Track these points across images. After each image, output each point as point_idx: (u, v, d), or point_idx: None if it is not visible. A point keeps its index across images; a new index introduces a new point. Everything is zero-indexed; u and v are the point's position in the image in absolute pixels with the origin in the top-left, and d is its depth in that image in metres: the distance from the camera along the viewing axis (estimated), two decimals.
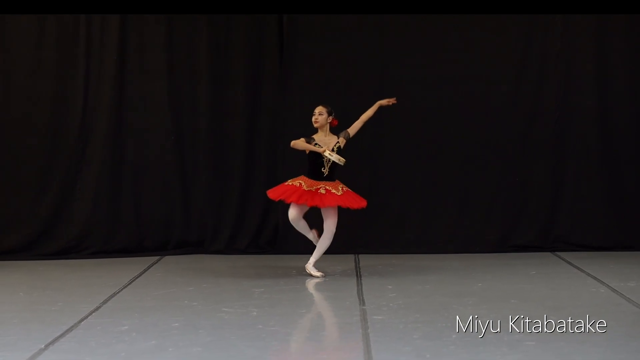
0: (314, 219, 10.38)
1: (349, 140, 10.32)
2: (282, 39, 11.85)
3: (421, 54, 11.86)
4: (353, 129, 10.35)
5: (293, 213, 10.20)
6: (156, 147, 11.89)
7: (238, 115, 11.90)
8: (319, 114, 10.27)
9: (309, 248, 11.14)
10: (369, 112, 10.44)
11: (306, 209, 10.26)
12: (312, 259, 10.33)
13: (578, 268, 10.67)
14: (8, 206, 11.77)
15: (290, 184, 10.19)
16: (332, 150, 10.19)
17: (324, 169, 10.20)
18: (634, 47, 11.88)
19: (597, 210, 11.93)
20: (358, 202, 10.27)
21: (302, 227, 10.30)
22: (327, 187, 10.16)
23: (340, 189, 10.19)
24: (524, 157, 11.95)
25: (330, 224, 10.21)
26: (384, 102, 10.52)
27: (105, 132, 11.80)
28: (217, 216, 11.93)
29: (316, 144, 10.20)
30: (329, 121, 10.28)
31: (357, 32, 11.87)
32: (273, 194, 10.24)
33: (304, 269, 10.37)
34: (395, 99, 10.52)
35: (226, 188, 11.93)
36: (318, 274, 10.25)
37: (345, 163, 10.17)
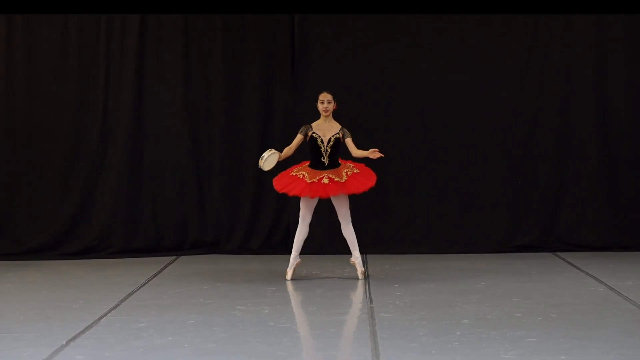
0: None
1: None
2: (293, 46, 11.92)
3: (428, 60, 11.93)
4: (351, 146, 9.88)
5: (304, 210, 9.93)
6: (173, 150, 11.95)
7: (251, 120, 11.97)
8: (328, 102, 9.96)
9: (320, 249, 11.33)
10: (360, 153, 9.85)
11: (315, 202, 9.93)
12: (355, 252, 10.00)
13: (578, 268, 10.71)
14: (32, 208, 11.84)
15: (295, 174, 9.91)
16: (330, 140, 9.91)
17: (323, 159, 9.92)
18: (633, 52, 11.93)
19: (597, 212, 11.95)
20: (364, 184, 9.85)
21: (303, 232, 9.94)
22: (330, 176, 9.81)
23: (345, 174, 9.85)
24: (526, 161, 11.97)
25: (344, 213, 9.94)
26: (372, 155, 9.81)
27: (125, 137, 11.89)
28: (231, 218, 12.00)
29: (314, 132, 9.95)
30: (334, 108, 10.03)
31: (367, 39, 11.89)
32: (278, 184, 9.96)
33: (314, 267, 10.44)
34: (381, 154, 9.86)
35: (240, 191, 11.99)
36: (360, 269, 10.03)
37: (266, 170, 9.93)
